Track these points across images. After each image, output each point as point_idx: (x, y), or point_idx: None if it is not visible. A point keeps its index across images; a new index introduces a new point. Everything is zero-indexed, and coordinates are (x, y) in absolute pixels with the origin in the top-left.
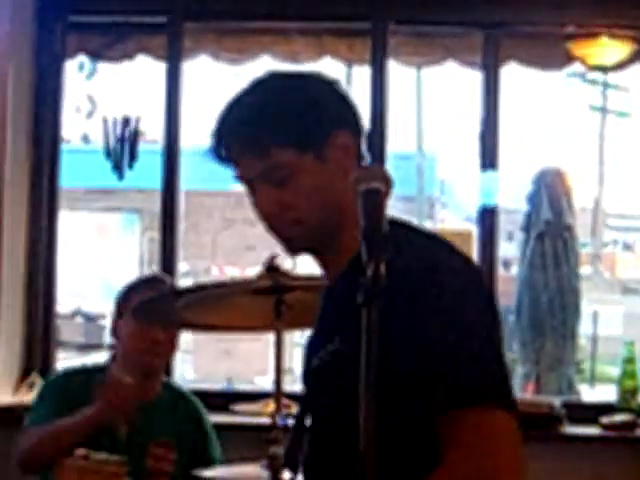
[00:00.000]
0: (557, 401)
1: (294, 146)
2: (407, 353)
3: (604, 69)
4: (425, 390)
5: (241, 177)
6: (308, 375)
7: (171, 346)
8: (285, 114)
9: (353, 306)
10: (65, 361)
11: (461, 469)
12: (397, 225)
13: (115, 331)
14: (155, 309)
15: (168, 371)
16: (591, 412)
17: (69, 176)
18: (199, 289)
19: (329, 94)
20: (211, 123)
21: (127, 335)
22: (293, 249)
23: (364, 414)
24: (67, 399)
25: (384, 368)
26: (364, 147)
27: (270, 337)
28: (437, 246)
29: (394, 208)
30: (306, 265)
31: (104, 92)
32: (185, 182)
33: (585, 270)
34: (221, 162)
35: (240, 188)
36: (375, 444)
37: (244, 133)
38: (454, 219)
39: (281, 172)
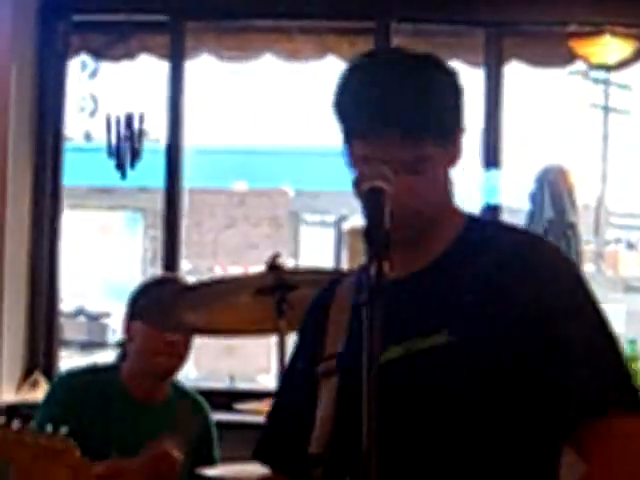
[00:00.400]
0: None
1: (442, 140)
2: (551, 356)
3: (607, 67)
4: (567, 395)
5: (367, 157)
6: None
7: (186, 347)
8: (447, 108)
9: (461, 299)
10: (68, 360)
11: (609, 473)
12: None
13: (128, 332)
14: (161, 312)
15: None
16: None
17: (72, 174)
18: (203, 286)
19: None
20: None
21: (141, 337)
22: (401, 240)
23: (367, 414)
24: (73, 401)
25: (524, 370)
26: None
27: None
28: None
29: None
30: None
31: (107, 91)
32: (188, 180)
33: (588, 268)
34: (351, 134)
35: (243, 187)
36: (496, 447)
37: (409, 119)
38: None
39: (424, 163)
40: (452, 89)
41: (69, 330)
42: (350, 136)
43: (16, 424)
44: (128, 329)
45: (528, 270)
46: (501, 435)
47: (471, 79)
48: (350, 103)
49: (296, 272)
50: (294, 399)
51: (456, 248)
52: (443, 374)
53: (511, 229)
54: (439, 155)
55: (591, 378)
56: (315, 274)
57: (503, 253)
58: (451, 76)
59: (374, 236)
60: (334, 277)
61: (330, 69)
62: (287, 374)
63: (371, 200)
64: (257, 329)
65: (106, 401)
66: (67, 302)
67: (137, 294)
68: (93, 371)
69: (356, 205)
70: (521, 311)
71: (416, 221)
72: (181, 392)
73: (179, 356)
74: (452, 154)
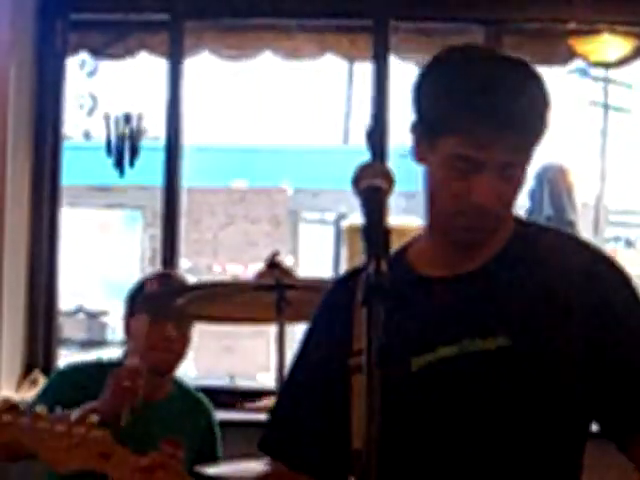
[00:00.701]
0: None
1: (533, 147)
2: (609, 364)
3: (606, 65)
4: (622, 405)
5: (466, 156)
6: (427, 367)
7: (184, 343)
8: (542, 115)
9: (520, 302)
10: (67, 358)
11: None
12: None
13: (127, 329)
14: (162, 303)
15: None
16: None
17: (71, 173)
18: (204, 287)
19: None
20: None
21: (139, 333)
22: (472, 240)
23: (367, 414)
24: (73, 395)
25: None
26: None
27: (272, 333)
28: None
29: (396, 205)
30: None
31: (106, 89)
32: (187, 179)
33: None
34: (444, 131)
35: (242, 185)
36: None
37: (520, 125)
38: None
39: (516, 170)
40: (545, 96)
41: (68, 328)
42: (440, 132)
43: (41, 409)
44: (127, 326)
45: (582, 276)
46: (548, 438)
47: None
48: (454, 100)
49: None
50: (310, 392)
51: (510, 249)
52: (499, 377)
53: (556, 231)
54: (526, 161)
55: None
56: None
57: (556, 257)
58: (543, 83)
59: (372, 235)
60: (348, 273)
61: (329, 67)
62: (297, 370)
63: (369, 198)
64: (256, 317)
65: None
66: (66, 300)
67: (135, 291)
68: (97, 366)
69: (355, 203)
70: (577, 318)
71: (493, 225)
72: (184, 390)
73: (176, 352)
74: (531, 160)
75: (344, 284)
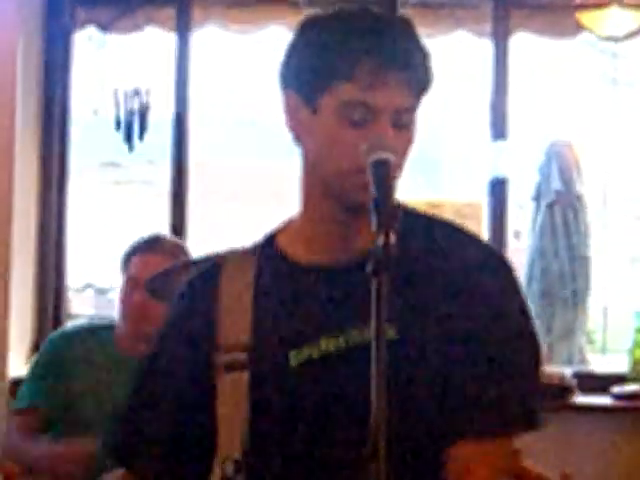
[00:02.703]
0: (568, 371)
1: (422, 96)
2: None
3: (614, 39)
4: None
5: (363, 103)
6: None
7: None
8: (429, 66)
9: (405, 291)
10: None
11: None
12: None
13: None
14: (167, 283)
15: None
16: (602, 382)
17: (79, 148)
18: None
19: None
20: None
21: (119, 297)
22: (367, 198)
23: (376, 391)
24: (62, 365)
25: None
26: None
27: None
28: None
29: (406, 179)
30: None
31: (114, 64)
32: (194, 154)
33: (595, 240)
34: (340, 77)
35: (250, 160)
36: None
37: (416, 66)
38: (464, 190)
39: (409, 118)
40: (425, 47)
41: (77, 304)
42: (324, 85)
43: None
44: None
45: (470, 268)
46: (435, 435)
47: (478, 50)
48: (335, 48)
49: None
50: (169, 393)
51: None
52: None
53: (434, 218)
54: (415, 110)
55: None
56: None
57: (442, 246)
58: (419, 35)
59: (382, 207)
60: (214, 260)
61: None
62: (153, 367)
63: (378, 172)
64: None
65: (96, 355)
66: (75, 277)
67: (125, 255)
68: (89, 330)
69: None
70: (462, 311)
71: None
72: None
73: (154, 318)
74: (417, 114)
75: (208, 274)
